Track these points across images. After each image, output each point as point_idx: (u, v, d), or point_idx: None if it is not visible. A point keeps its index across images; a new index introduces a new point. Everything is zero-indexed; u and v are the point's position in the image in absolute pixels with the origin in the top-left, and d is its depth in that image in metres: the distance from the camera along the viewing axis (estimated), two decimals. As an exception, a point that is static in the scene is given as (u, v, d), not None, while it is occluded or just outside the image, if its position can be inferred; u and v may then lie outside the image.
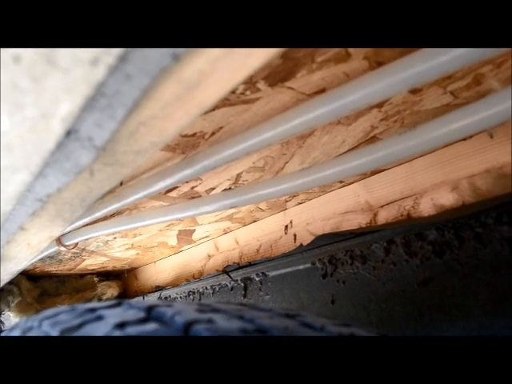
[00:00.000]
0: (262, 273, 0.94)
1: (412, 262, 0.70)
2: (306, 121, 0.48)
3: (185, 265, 1.20)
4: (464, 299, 0.63)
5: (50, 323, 0.36)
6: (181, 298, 1.19)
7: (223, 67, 0.27)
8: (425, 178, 0.69)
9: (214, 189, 0.78)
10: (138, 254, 1.24)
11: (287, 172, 0.74)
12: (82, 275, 1.47)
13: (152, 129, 0.32)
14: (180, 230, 1.04)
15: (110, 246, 1.14)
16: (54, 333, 0.33)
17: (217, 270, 1.07)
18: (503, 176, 0.60)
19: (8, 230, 0.51)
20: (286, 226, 0.92)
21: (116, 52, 0.23)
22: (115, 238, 1.05)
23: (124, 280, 1.44)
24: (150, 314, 0.35)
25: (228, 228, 1.05)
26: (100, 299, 1.38)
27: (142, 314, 0.34)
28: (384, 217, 0.75)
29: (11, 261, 0.73)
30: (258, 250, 0.97)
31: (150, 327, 0.31)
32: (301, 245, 0.85)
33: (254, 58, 0.27)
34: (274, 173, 0.73)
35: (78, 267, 1.37)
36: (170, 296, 1.24)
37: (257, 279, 0.96)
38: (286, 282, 0.89)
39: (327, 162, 0.55)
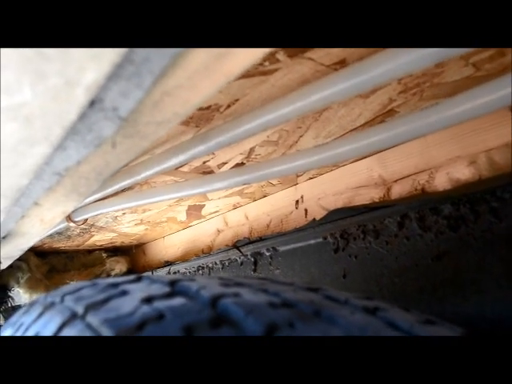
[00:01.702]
0: (273, 248, 0.95)
1: (426, 236, 0.69)
2: (326, 96, 0.46)
3: (194, 240, 1.21)
4: (478, 273, 0.63)
5: (73, 298, 0.35)
6: (190, 272, 1.20)
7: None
8: (440, 152, 0.69)
9: (226, 163, 0.78)
10: (146, 229, 1.25)
11: (301, 146, 0.73)
12: (90, 251, 1.48)
13: (176, 99, 0.31)
14: (190, 206, 1.04)
15: (119, 222, 1.14)
16: (79, 308, 0.33)
17: (226, 245, 1.07)
18: (522, 150, 0.59)
19: (23, 205, 0.50)
20: (297, 201, 0.91)
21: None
22: (124, 213, 1.05)
23: (132, 255, 1.44)
24: (175, 288, 0.35)
25: (238, 203, 1.04)
26: (109, 275, 1.39)
27: (166, 289, 0.34)
28: (398, 191, 0.74)
29: (24, 236, 0.73)
30: (268, 225, 0.97)
31: (178, 301, 0.31)
32: (313, 219, 0.84)
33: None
34: (287, 147, 0.73)
35: (87, 243, 1.38)
36: (178, 271, 1.25)
37: (267, 254, 0.96)
38: (297, 256, 0.89)
39: (344, 139, 0.54)
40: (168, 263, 1.24)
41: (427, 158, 0.70)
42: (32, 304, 0.43)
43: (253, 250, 0.99)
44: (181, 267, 1.21)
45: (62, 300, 0.37)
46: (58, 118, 0.31)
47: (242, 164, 0.79)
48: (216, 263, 1.11)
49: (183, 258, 1.22)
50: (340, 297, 0.38)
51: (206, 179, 0.68)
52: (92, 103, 0.29)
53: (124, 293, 0.33)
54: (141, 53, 0.25)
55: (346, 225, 0.80)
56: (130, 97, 0.28)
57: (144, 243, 1.42)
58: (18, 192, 0.46)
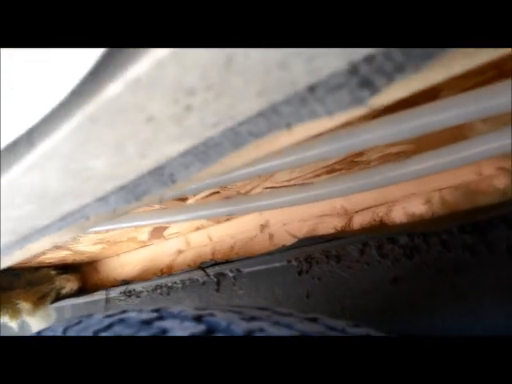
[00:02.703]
0: (237, 269, 1.00)
1: (384, 262, 0.78)
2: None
3: (152, 259, 1.23)
4: (429, 297, 0.73)
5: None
6: (147, 291, 1.22)
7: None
8: (398, 189, 0.78)
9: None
10: (103, 248, 1.24)
11: (275, 179, 0.79)
12: (36, 268, 1.44)
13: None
14: (155, 227, 1.06)
15: (77, 241, 1.14)
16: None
17: (188, 265, 1.10)
18: (469, 192, 0.69)
19: (29, 240, 0.52)
20: (262, 225, 0.97)
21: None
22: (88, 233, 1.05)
23: (83, 273, 1.43)
24: (205, 324, 0.39)
25: (201, 225, 1.08)
26: (59, 293, 1.37)
27: (202, 327, 0.38)
28: (359, 221, 0.83)
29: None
30: (232, 247, 1.02)
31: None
32: (281, 246, 0.91)
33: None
34: (263, 180, 0.79)
35: (36, 260, 1.34)
36: (134, 290, 1.25)
37: (230, 275, 1.01)
38: (261, 278, 0.95)
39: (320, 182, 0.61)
40: (125, 282, 1.24)
41: (386, 193, 0.80)
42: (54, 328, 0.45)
43: (216, 270, 1.03)
44: (138, 286, 1.22)
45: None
46: (114, 180, 0.35)
47: (218, 193, 0.84)
48: (176, 282, 1.13)
49: (140, 277, 1.24)
50: (337, 326, 0.44)
51: (188, 207, 0.72)
52: (153, 170, 0.33)
53: (165, 331, 0.37)
54: (215, 139, 0.30)
55: (310, 250, 0.88)
56: (190, 169, 0.33)
57: (96, 261, 1.41)
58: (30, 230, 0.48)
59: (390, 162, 0.67)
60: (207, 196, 0.86)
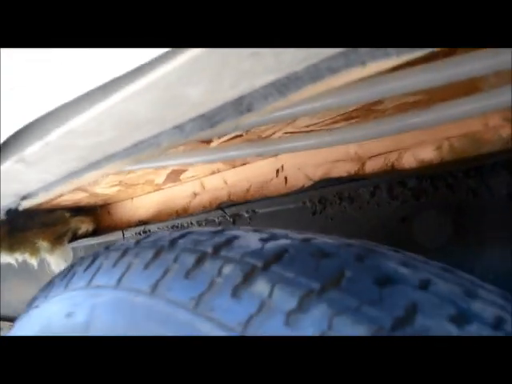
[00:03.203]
0: (252, 210, 1.07)
1: (393, 203, 0.86)
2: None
3: (167, 202, 1.29)
4: (434, 235, 0.82)
5: (187, 242, 0.45)
6: (162, 232, 1.29)
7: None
8: (409, 137, 0.85)
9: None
10: (119, 190, 1.30)
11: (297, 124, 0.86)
12: (50, 210, 1.50)
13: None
14: (173, 170, 1.12)
15: (96, 183, 1.19)
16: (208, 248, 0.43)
17: (204, 208, 1.17)
18: (476, 140, 0.77)
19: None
20: (278, 170, 1.04)
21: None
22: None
23: (96, 215, 1.49)
24: (265, 232, 0.46)
25: (217, 169, 1.15)
26: (75, 234, 1.43)
27: (265, 234, 0.45)
28: (371, 167, 0.90)
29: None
30: (247, 190, 1.09)
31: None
32: (296, 188, 0.98)
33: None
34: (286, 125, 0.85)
35: (51, 203, 1.40)
36: (149, 230, 1.33)
37: (246, 216, 1.08)
38: (276, 218, 1.03)
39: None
40: (142, 222, 1.31)
41: (398, 140, 0.87)
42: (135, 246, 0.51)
43: (232, 211, 1.11)
44: (154, 227, 1.30)
45: (173, 244, 0.46)
46: (199, 108, 0.41)
47: (240, 136, 0.90)
48: (192, 223, 1.21)
49: (155, 219, 1.31)
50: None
51: (217, 149, 0.79)
52: (235, 100, 0.39)
53: (235, 238, 0.44)
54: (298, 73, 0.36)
55: (324, 192, 0.95)
56: (268, 99, 0.39)
57: (110, 203, 1.47)
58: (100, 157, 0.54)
59: (405, 111, 0.74)
60: (230, 139, 0.91)
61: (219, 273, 0.42)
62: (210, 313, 0.41)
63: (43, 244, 1.37)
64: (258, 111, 0.41)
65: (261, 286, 0.40)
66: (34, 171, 0.55)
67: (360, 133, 0.79)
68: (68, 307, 0.62)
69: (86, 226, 1.43)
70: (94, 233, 1.47)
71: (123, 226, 1.39)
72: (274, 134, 0.90)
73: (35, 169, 0.53)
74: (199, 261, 0.42)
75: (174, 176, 1.18)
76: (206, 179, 1.20)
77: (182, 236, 0.48)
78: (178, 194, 1.26)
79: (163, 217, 1.29)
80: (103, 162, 0.56)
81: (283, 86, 0.38)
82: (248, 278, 0.41)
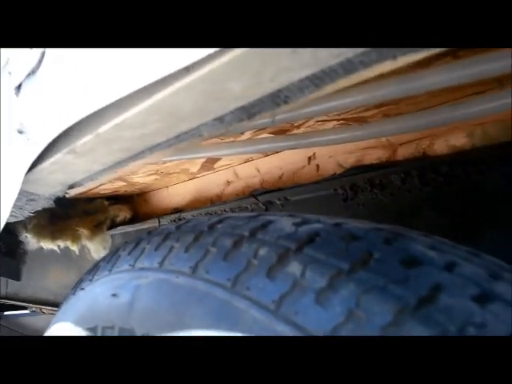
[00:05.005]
0: (284, 197, 1.10)
1: (425, 189, 0.87)
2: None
3: (201, 190, 1.33)
4: (467, 221, 0.82)
5: (225, 226, 0.49)
6: (197, 219, 1.33)
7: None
8: (441, 123, 0.85)
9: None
10: (156, 179, 1.35)
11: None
12: (90, 199, 1.57)
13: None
14: (208, 159, 1.16)
15: (134, 172, 1.24)
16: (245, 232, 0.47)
17: (237, 195, 1.21)
18: (509, 126, 0.77)
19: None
20: (310, 158, 1.06)
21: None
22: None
23: (133, 203, 1.55)
24: (299, 216, 0.48)
25: (250, 158, 1.18)
26: (114, 221, 1.50)
27: (298, 219, 0.48)
28: (402, 153, 0.91)
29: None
30: (280, 178, 1.12)
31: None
32: (329, 175, 1.00)
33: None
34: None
35: (92, 191, 1.46)
36: (184, 218, 1.37)
37: (278, 203, 1.11)
38: (308, 205, 1.05)
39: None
40: (177, 210, 1.36)
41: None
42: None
43: (265, 199, 1.14)
44: (188, 214, 1.34)
45: (212, 228, 0.50)
46: (239, 101, 0.44)
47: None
48: (225, 210, 1.25)
49: (190, 207, 1.35)
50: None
51: (253, 141, 0.81)
52: (273, 92, 0.42)
53: (270, 222, 0.47)
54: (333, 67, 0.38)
55: (354, 179, 0.97)
56: (304, 92, 0.41)
57: (146, 192, 1.53)
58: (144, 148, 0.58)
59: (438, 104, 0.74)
60: (262, 129, 0.94)
61: (255, 255, 0.45)
62: (247, 292, 0.44)
63: (84, 231, 1.43)
64: (294, 103, 0.44)
65: (294, 267, 0.42)
66: (82, 161, 0.59)
67: (392, 126, 0.80)
68: (113, 288, 0.66)
69: (123, 213, 1.49)
70: (132, 220, 1.53)
71: (159, 214, 1.45)
72: (306, 122, 0.92)
73: (84, 159, 0.57)
74: (236, 244, 0.46)
75: (209, 165, 1.22)
76: (239, 167, 1.23)
77: (220, 221, 0.51)
78: (212, 182, 1.30)
79: (197, 204, 1.33)
80: (146, 152, 0.59)
81: (318, 79, 0.40)
82: (282, 259, 0.44)
